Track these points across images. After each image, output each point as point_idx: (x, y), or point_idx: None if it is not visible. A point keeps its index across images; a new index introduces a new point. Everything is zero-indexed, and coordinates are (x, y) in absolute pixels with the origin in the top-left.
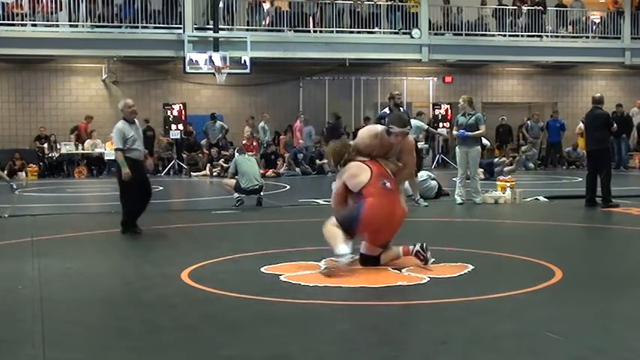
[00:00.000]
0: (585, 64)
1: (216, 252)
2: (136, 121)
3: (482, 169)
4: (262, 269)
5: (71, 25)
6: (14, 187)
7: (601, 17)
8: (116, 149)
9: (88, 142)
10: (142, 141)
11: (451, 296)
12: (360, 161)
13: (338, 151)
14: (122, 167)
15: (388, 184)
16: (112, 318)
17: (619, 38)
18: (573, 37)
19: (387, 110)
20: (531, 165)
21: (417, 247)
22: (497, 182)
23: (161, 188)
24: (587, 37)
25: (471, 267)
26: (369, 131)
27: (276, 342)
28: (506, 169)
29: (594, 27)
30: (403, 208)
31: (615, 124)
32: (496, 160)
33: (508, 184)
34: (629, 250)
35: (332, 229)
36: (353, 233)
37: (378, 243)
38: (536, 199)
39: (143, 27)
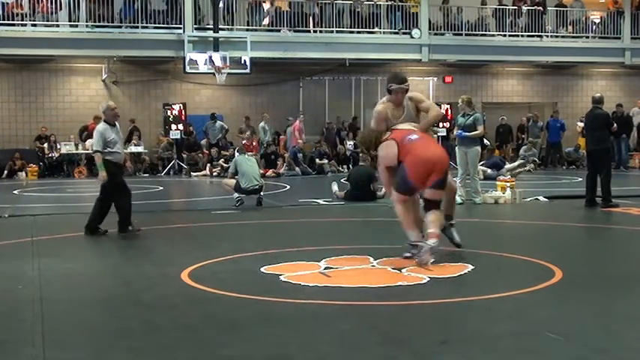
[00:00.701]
0: (585, 64)
1: (216, 252)
2: (116, 123)
3: (486, 168)
4: (262, 269)
5: (71, 25)
6: None
7: (601, 17)
8: (95, 151)
9: (88, 142)
10: (122, 144)
11: (451, 296)
12: (383, 140)
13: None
14: (100, 170)
15: (413, 137)
16: (112, 318)
17: (619, 38)
18: (573, 37)
19: None
20: (531, 165)
21: (431, 243)
22: (498, 182)
23: (161, 188)
24: (587, 37)
25: (471, 267)
26: (375, 108)
27: (276, 342)
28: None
29: (594, 27)
30: (439, 147)
31: (615, 124)
32: (507, 165)
33: (508, 184)
34: (629, 250)
35: (400, 215)
36: (413, 191)
37: (435, 184)
38: (536, 199)
39: (143, 27)
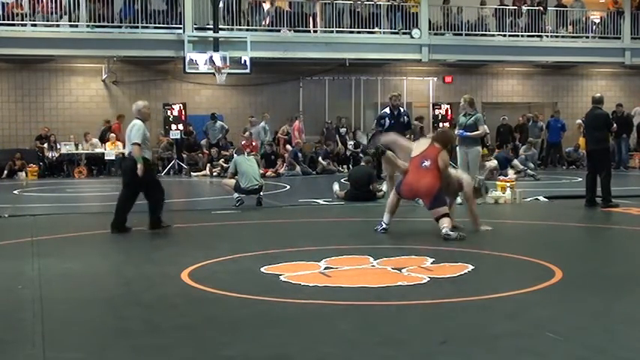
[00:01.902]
0: (585, 64)
1: (217, 252)
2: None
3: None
4: (262, 269)
5: (71, 25)
6: None
7: (601, 17)
8: (134, 143)
9: (87, 143)
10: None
11: (451, 296)
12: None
13: (448, 139)
14: (138, 162)
15: (425, 163)
16: (112, 318)
17: (619, 38)
18: (573, 37)
19: (387, 110)
20: (531, 165)
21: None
22: (497, 182)
23: None
24: (587, 37)
25: (471, 267)
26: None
27: (276, 342)
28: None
29: (594, 27)
30: (425, 182)
31: (615, 124)
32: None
33: (508, 184)
34: (629, 250)
35: (388, 200)
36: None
37: (428, 207)
38: (536, 199)
39: (143, 27)
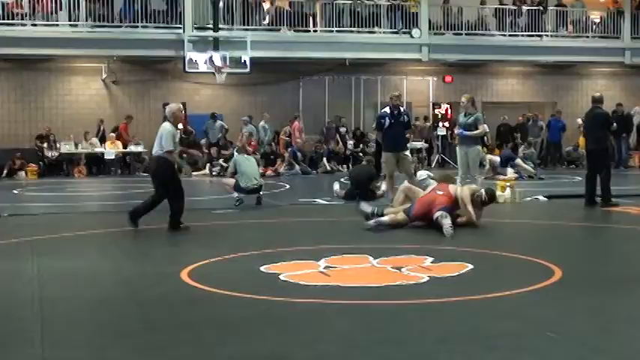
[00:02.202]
0: (585, 64)
1: (216, 251)
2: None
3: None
4: (262, 268)
5: (71, 25)
6: None
7: (601, 17)
8: (168, 151)
9: (86, 142)
10: None
11: (451, 295)
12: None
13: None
14: (182, 165)
15: (439, 192)
16: (112, 317)
17: (619, 38)
18: (573, 36)
19: (386, 110)
20: (531, 164)
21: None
22: (497, 182)
23: None
24: (587, 37)
25: (470, 266)
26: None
27: (275, 341)
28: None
29: (594, 27)
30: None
31: (615, 124)
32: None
33: (508, 184)
34: (628, 249)
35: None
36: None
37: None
38: (536, 198)
39: (143, 27)
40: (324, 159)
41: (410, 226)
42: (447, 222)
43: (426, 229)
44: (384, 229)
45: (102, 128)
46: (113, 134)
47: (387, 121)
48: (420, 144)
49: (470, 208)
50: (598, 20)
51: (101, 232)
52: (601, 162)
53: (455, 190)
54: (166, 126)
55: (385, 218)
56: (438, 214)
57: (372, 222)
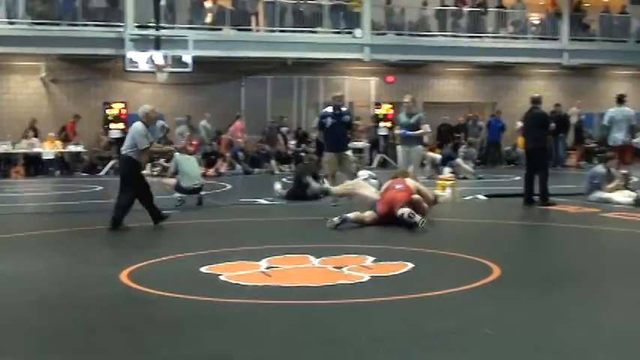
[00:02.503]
0: (524, 65)
1: (157, 252)
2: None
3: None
4: (202, 269)
5: (9, 22)
6: None
7: (540, 19)
8: (146, 148)
9: (24, 142)
10: None
11: (391, 294)
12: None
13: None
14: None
15: (398, 187)
16: (49, 320)
17: (557, 39)
18: (513, 37)
19: (328, 109)
20: (471, 164)
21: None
22: (437, 181)
23: (101, 188)
24: (527, 38)
25: (410, 265)
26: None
27: (215, 342)
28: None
29: (533, 28)
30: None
31: (553, 124)
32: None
33: (448, 183)
34: (564, 247)
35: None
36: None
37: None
38: (476, 197)
39: (83, 25)
40: (273, 160)
41: (351, 225)
42: (417, 217)
43: (367, 230)
44: (346, 226)
45: (34, 127)
46: (52, 134)
47: (329, 120)
48: (361, 144)
49: (426, 190)
50: (537, 22)
51: (39, 233)
52: (540, 161)
53: (412, 183)
54: (137, 125)
55: (350, 215)
56: (401, 211)
57: (336, 219)
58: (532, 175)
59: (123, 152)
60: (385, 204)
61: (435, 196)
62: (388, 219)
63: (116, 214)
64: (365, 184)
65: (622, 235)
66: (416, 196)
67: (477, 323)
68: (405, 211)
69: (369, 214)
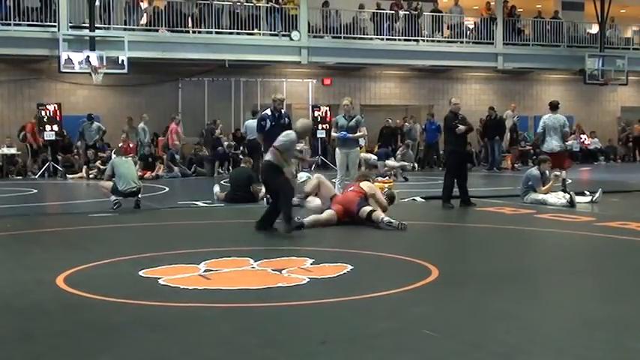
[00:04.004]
0: (460, 68)
1: (93, 256)
2: None
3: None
4: (141, 273)
5: None
6: None
7: (475, 23)
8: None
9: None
10: None
11: (330, 296)
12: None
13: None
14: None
15: (351, 189)
16: None
17: (492, 44)
18: (449, 41)
19: (268, 112)
20: (408, 165)
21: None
22: (376, 183)
23: (35, 191)
24: (462, 42)
25: (349, 267)
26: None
27: (155, 346)
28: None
29: (468, 32)
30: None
31: (460, 126)
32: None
33: (386, 185)
34: (500, 248)
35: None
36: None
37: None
38: (414, 199)
39: (16, 24)
40: (217, 163)
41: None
42: (382, 215)
43: (306, 232)
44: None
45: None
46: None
47: (268, 123)
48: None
49: (380, 195)
50: (472, 26)
51: None
52: (456, 163)
53: (365, 186)
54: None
55: (308, 218)
56: (364, 209)
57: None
58: (453, 176)
59: None
60: (338, 204)
61: (391, 197)
62: (344, 218)
63: None
64: (323, 179)
65: (556, 236)
66: (370, 192)
67: (417, 323)
68: (364, 210)
69: (325, 215)
